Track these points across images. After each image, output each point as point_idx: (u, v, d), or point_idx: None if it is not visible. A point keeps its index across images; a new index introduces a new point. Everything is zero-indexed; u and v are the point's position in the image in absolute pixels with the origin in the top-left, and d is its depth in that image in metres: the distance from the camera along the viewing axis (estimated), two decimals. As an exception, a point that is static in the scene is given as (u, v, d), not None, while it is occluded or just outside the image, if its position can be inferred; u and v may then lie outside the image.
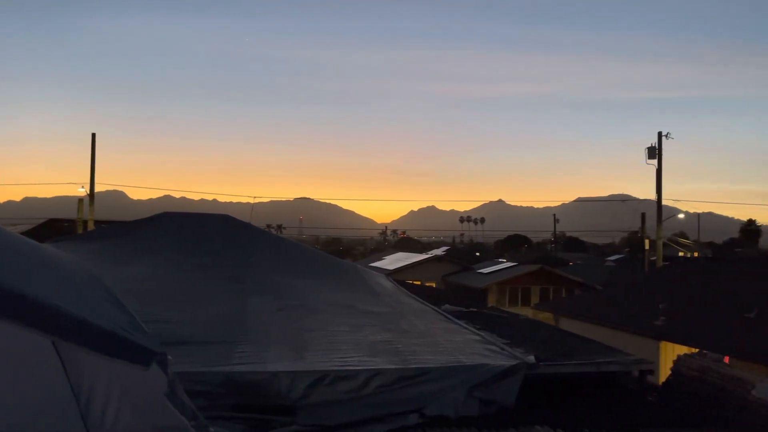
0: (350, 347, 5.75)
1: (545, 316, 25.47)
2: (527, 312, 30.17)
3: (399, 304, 8.15)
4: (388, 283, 9.75)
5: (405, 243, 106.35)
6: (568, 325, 21.21)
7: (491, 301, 38.58)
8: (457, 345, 6.08)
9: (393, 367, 5.05)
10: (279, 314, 6.95)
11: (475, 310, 9.12)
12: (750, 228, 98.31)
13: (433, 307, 8.26)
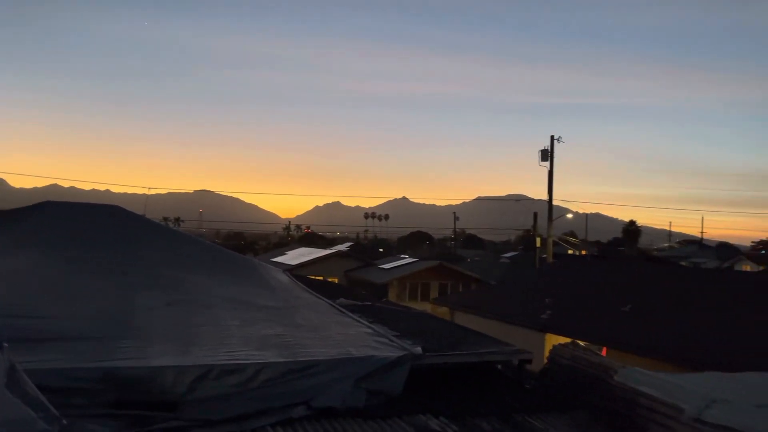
0: (240, 341, 5.70)
1: (442, 311, 26.28)
2: (426, 306, 30.95)
3: (294, 299, 8.15)
4: (284, 278, 9.70)
5: (309, 238, 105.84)
6: (463, 319, 22.00)
7: (392, 296, 39.26)
8: (348, 338, 6.18)
9: (281, 360, 5.07)
10: (167, 309, 6.76)
11: (370, 303, 9.27)
12: (631, 228, 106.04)
13: (328, 301, 8.32)
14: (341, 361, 5.23)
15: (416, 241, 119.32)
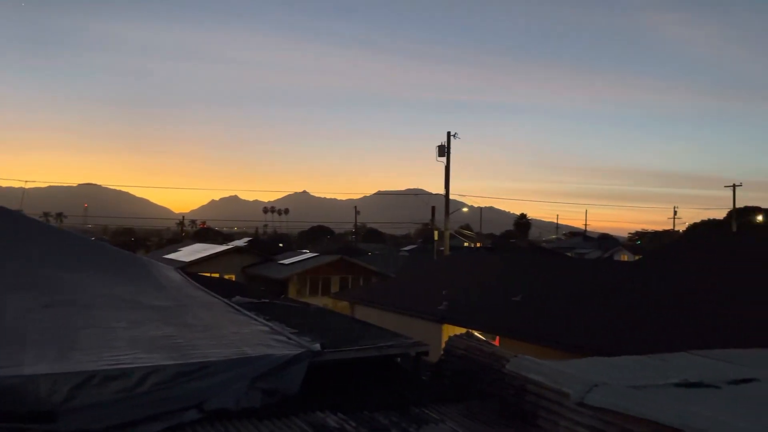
0: (126, 344, 5.39)
1: (343, 305, 26.31)
2: (327, 302, 30.87)
3: (186, 298, 7.83)
4: (176, 276, 9.30)
5: (205, 234, 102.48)
6: (363, 313, 22.13)
7: (292, 291, 38.85)
8: (243, 337, 6.01)
9: (171, 362, 4.84)
10: (45, 311, 6.28)
11: (267, 300, 9.08)
12: (522, 221, 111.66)
13: (222, 299, 8.06)
14: (235, 361, 5.06)
15: (317, 235, 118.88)
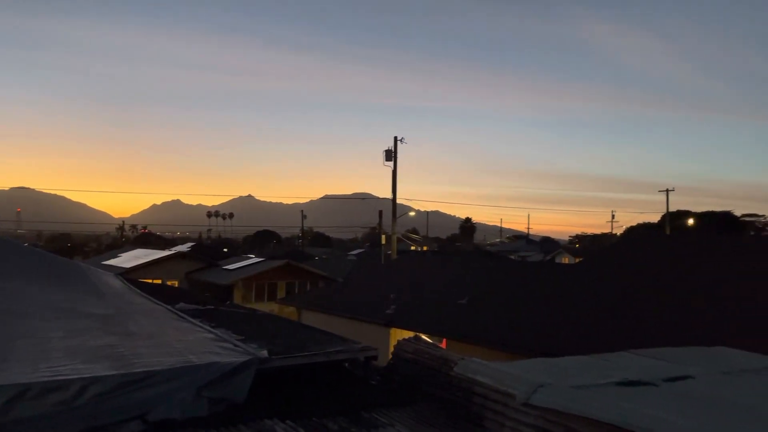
0: (65, 354, 5.19)
1: (290, 311, 26.07)
2: (273, 307, 30.52)
3: (127, 305, 7.59)
4: (117, 283, 9.01)
5: (146, 239, 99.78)
6: (311, 318, 21.98)
7: (237, 297, 38.23)
8: (188, 344, 5.87)
9: (113, 372, 4.68)
10: (-25, 322, 5.97)
11: (212, 307, 8.90)
12: (467, 225, 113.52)
13: (166, 306, 7.85)
14: (180, 369, 4.94)
15: (263, 240, 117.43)
